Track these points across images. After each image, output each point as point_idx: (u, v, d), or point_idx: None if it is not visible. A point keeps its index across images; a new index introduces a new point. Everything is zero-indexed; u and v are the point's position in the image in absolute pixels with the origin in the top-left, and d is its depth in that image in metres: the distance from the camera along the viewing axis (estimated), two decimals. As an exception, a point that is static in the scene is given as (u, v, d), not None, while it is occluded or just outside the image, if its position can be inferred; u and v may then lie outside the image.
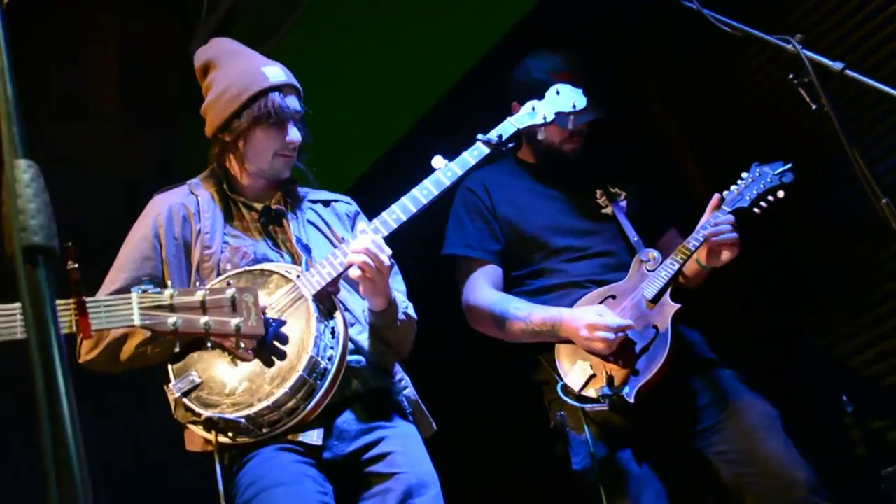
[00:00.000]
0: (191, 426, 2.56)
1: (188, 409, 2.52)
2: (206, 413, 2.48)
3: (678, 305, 3.05)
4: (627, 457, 3.01)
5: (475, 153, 2.80)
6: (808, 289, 3.73)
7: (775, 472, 2.93)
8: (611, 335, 2.98)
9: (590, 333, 3.00)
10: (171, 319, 1.87)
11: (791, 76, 2.20)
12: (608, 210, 3.37)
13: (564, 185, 3.41)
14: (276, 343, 2.51)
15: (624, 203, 3.39)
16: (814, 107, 2.16)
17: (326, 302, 2.63)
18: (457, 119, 4.16)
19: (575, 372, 3.04)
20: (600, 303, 3.15)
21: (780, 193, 3.10)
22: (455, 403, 3.52)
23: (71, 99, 4.82)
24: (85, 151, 4.66)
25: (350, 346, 2.63)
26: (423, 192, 2.72)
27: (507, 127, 2.85)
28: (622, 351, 3.02)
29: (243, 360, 2.51)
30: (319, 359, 2.51)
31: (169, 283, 2.70)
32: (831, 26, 3.58)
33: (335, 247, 2.80)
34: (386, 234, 2.67)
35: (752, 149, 3.76)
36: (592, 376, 3.00)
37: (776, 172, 3.12)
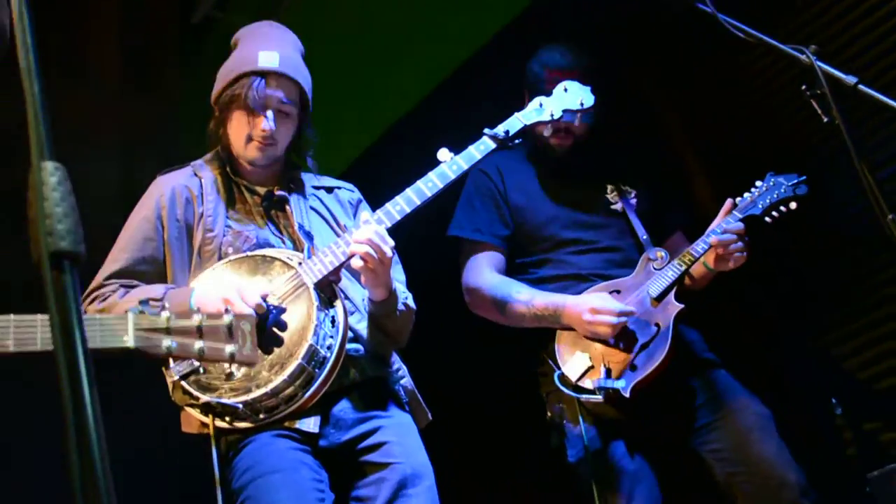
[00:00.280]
0: (188, 409, 2.57)
1: (186, 391, 2.53)
2: (204, 397, 2.50)
3: (681, 306, 3.07)
4: (622, 451, 3.03)
5: (481, 147, 2.79)
6: (802, 290, 3.75)
7: (767, 473, 2.96)
8: (614, 319, 3.00)
9: (593, 317, 3.02)
10: (166, 343, 1.86)
11: (803, 87, 2.20)
12: (618, 206, 3.37)
13: (577, 177, 3.41)
14: (275, 330, 2.51)
15: (634, 200, 3.39)
16: (825, 119, 2.17)
17: (327, 290, 2.64)
18: (457, 105, 4.19)
19: (573, 361, 3.05)
20: None
21: (793, 205, 3.10)
22: (451, 393, 3.54)
23: (70, 65, 4.78)
24: (83, 117, 4.62)
25: (349, 334, 2.64)
26: (428, 185, 2.72)
27: (514, 122, 2.85)
28: (622, 343, 3.04)
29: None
30: (319, 347, 2.52)
31: (170, 262, 2.73)
32: (838, 32, 3.58)
33: (337, 234, 2.81)
34: (389, 225, 2.67)
35: (755, 151, 3.78)
36: (590, 367, 3.02)
37: (791, 184, 3.12)
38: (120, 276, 2.72)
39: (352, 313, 2.71)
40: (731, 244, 3.04)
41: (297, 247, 2.76)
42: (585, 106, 2.94)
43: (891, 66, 3.41)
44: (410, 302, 2.87)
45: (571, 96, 2.94)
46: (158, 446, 3.28)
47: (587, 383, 3.00)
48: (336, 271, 2.64)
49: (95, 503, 1.02)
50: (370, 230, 2.60)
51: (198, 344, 1.88)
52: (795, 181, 3.13)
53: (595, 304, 3.04)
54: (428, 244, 3.44)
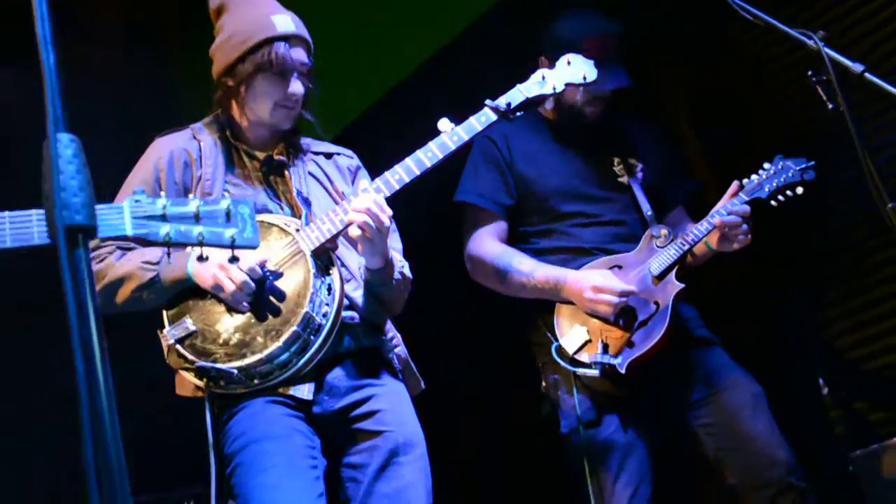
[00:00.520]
0: (182, 372, 2.58)
1: (181, 355, 2.53)
2: (199, 362, 2.50)
3: (682, 285, 3.08)
4: (615, 424, 3.06)
5: (482, 119, 2.77)
6: (798, 270, 3.77)
7: (756, 450, 3.00)
8: (615, 299, 3.01)
9: (594, 295, 3.03)
10: (165, 230, 1.81)
11: (809, 73, 2.20)
12: (624, 179, 3.36)
13: (584, 149, 3.40)
14: (271, 297, 2.52)
15: (640, 175, 3.38)
16: (830, 106, 2.17)
17: (324, 257, 2.64)
18: (457, 72, 4.16)
19: (571, 334, 3.07)
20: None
21: (800, 190, 3.10)
22: (445, 362, 3.55)
23: (70, 20, 4.72)
24: (81, 73, 4.57)
25: (344, 301, 2.65)
26: (428, 155, 2.71)
27: (516, 94, 2.82)
28: (622, 319, 3.05)
29: (238, 311, 2.53)
30: (314, 314, 2.52)
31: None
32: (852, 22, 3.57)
33: (335, 201, 2.80)
34: (388, 194, 2.66)
35: (754, 133, 3.78)
36: (588, 341, 3.04)
37: (799, 168, 3.11)
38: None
39: (348, 281, 2.71)
40: (736, 226, 3.05)
41: (294, 213, 2.75)
42: (588, 80, 2.91)
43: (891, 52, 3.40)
44: (407, 271, 2.87)
45: (574, 70, 2.91)
46: (152, 407, 3.28)
47: (584, 357, 3.02)
48: (333, 239, 2.64)
49: (107, 480, 1.02)
50: (369, 199, 2.59)
51: (197, 229, 1.84)
52: (804, 166, 3.12)
53: (597, 282, 3.04)
54: (425, 212, 3.43)
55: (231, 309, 2.53)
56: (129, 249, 2.68)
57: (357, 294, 2.74)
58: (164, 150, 2.81)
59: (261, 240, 2.58)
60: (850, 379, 3.56)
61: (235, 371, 2.49)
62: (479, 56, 4.12)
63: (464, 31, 4.33)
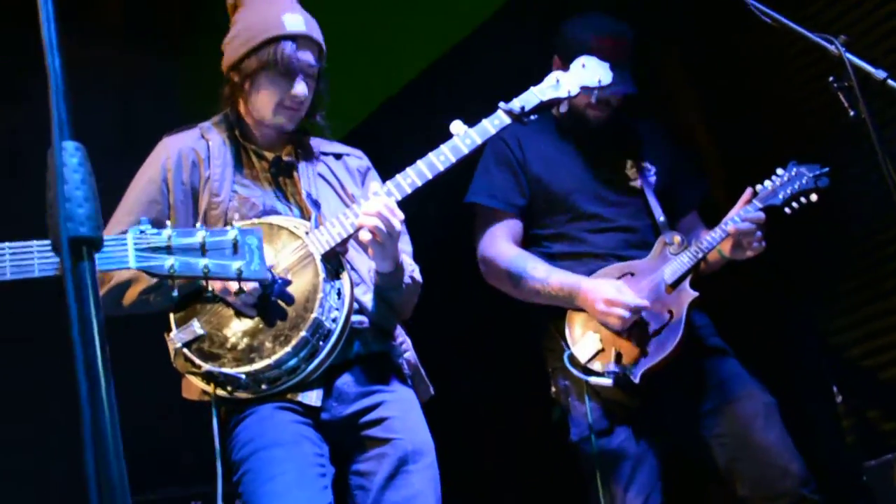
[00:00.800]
0: (189, 376, 2.55)
1: (188, 359, 2.50)
2: (206, 366, 2.47)
3: (696, 294, 3.05)
4: (626, 434, 3.02)
5: (496, 122, 2.73)
6: (811, 276, 3.72)
7: (768, 462, 2.97)
8: (627, 313, 2.97)
9: (606, 308, 2.99)
10: (169, 262, 1.79)
11: (831, 79, 2.15)
12: (636, 183, 3.31)
13: (597, 151, 3.35)
14: (280, 301, 2.49)
15: (653, 179, 3.33)
16: (851, 113, 2.12)
17: (333, 261, 2.60)
18: (469, 73, 4.13)
19: (584, 342, 3.03)
20: (618, 278, 3.12)
21: (814, 197, 3.05)
22: (455, 367, 3.52)
23: (72, 15, 4.70)
24: (83, 69, 4.55)
25: (354, 306, 2.61)
26: (440, 158, 2.67)
27: (531, 98, 2.78)
28: (634, 330, 3.01)
29: (247, 315, 2.49)
30: (324, 320, 2.49)
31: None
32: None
33: (344, 203, 2.77)
34: (399, 198, 2.62)
35: (771, 139, 3.73)
36: (601, 350, 3.00)
37: (813, 175, 3.06)
38: None
39: (357, 285, 2.68)
40: (750, 233, 3.01)
41: (304, 215, 2.72)
42: (603, 83, 2.87)
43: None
44: (417, 275, 2.83)
45: (589, 73, 2.86)
46: (163, 404, 3.26)
47: (596, 366, 2.98)
48: (343, 243, 2.60)
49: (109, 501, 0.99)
50: (380, 203, 2.55)
51: (202, 262, 1.81)
52: (818, 172, 3.07)
53: (610, 296, 3.00)
54: (435, 213, 3.40)
55: (239, 313, 2.50)
56: None
57: (367, 298, 2.70)
58: (171, 149, 2.77)
59: (270, 243, 2.56)
60: (864, 388, 3.52)
61: (243, 376, 2.46)
62: (492, 56, 4.09)
63: (476, 30, 4.29)
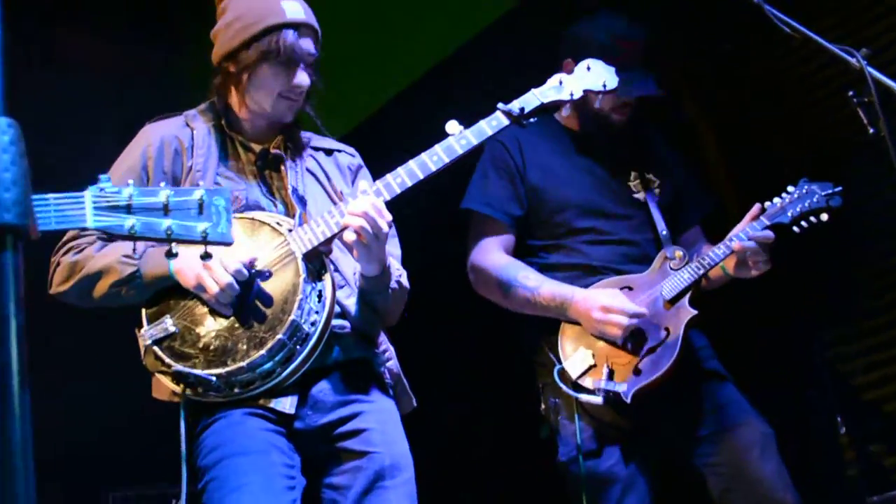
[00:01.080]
0: (159, 375, 2.43)
1: (158, 357, 2.39)
2: (176, 366, 2.38)
3: (695, 312, 2.94)
4: (616, 457, 2.93)
5: (493, 123, 2.61)
6: (815, 303, 3.61)
7: (763, 495, 2.89)
8: (625, 320, 2.86)
9: (603, 315, 2.88)
10: (130, 222, 1.66)
11: (850, 94, 2.03)
12: (640, 196, 3.21)
13: (603, 160, 3.25)
14: (257, 301, 2.40)
15: (658, 191, 3.23)
16: (871, 130, 2.00)
17: (316, 261, 2.50)
18: (471, 75, 4.03)
19: (576, 358, 2.93)
20: None
21: (824, 216, 2.93)
22: (440, 379, 3.41)
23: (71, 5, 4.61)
24: (81, 60, 4.47)
25: (336, 309, 2.49)
26: (433, 159, 2.54)
27: (531, 99, 2.66)
28: (629, 344, 2.91)
29: (222, 315, 2.38)
30: (302, 323, 2.39)
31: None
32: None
33: (332, 200, 2.66)
34: (388, 198, 2.51)
35: (777, 149, 3.63)
36: (593, 366, 2.90)
37: (824, 194, 2.94)
38: None
39: (340, 287, 2.56)
40: (756, 252, 2.88)
41: (288, 211, 2.61)
42: (608, 88, 2.75)
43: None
44: (404, 280, 2.71)
45: (594, 76, 2.74)
46: (140, 401, 3.17)
47: (587, 382, 2.88)
48: (327, 242, 2.50)
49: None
50: (367, 202, 2.43)
51: (165, 222, 1.68)
52: (830, 191, 2.94)
53: (606, 303, 2.89)
54: (426, 216, 3.29)
55: (214, 311, 2.40)
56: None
57: (350, 302, 2.59)
58: (153, 136, 2.66)
59: (251, 239, 2.44)
60: (867, 420, 3.41)
61: (214, 378, 2.36)
62: (497, 57, 4.00)
63: (482, 32, 4.20)
